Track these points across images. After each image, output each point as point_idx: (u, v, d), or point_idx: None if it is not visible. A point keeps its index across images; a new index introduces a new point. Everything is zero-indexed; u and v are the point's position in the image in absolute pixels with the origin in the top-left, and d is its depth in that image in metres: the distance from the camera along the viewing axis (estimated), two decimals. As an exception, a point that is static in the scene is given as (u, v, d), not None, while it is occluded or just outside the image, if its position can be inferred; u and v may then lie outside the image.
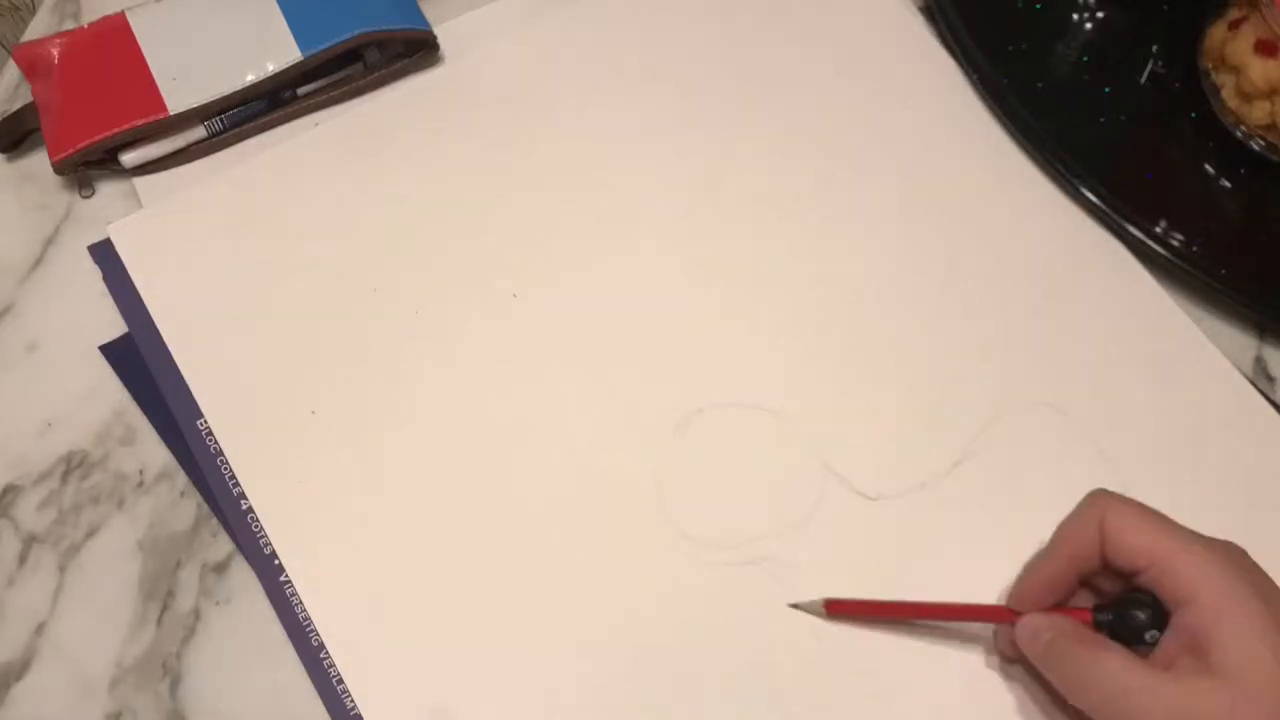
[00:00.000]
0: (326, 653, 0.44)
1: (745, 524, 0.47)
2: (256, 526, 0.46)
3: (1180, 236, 0.52)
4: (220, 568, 0.46)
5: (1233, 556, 0.39)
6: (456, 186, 0.53)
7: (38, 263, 0.52)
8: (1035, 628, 0.41)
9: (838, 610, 0.44)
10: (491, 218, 0.53)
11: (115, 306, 0.50)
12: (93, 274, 0.51)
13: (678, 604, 0.45)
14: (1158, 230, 0.52)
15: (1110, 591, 0.42)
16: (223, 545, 0.47)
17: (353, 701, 0.43)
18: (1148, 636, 0.39)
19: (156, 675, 0.44)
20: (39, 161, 0.53)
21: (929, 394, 0.49)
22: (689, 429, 0.48)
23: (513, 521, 0.46)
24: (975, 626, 0.44)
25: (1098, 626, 0.40)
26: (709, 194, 0.54)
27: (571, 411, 0.49)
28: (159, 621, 0.45)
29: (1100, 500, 0.41)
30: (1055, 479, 0.47)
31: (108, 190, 0.54)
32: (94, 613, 0.45)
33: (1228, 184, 0.54)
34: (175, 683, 0.44)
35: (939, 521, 0.47)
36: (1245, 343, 0.52)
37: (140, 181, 0.53)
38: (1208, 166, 0.55)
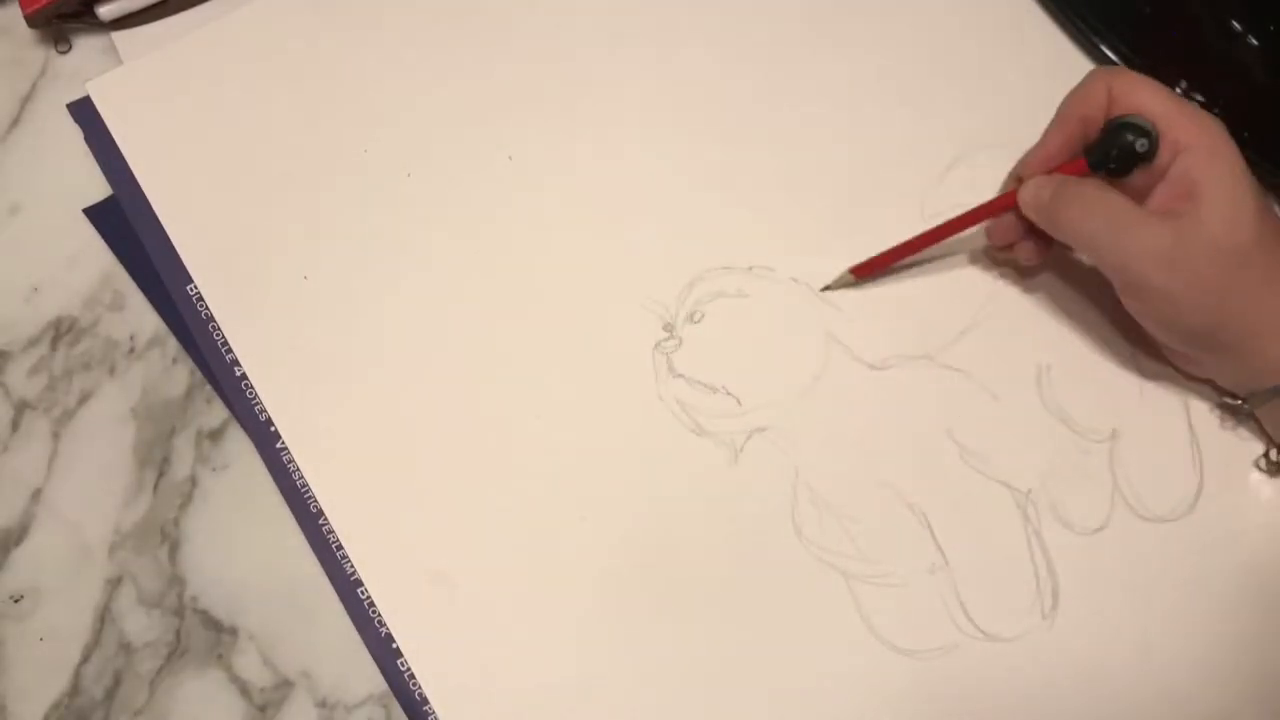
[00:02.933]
0: (325, 519, 0.44)
1: (747, 393, 0.46)
2: (251, 393, 0.45)
3: (1201, 98, 0.50)
4: (215, 435, 0.46)
5: (1220, 124, 0.42)
6: (449, 42, 0.51)
7: (15, 122, 0.50)
8: (1038, 185, 0.43)
9: (863, 272, 0.46)
10: (487, 77, 0.51)
11: (98, 167, 0.49)
12: (74, 133, 0.50)
13: (678, 473, 0.45)
14: (1179, 90, 0.50)
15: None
16: (217, 412, 0.46)
17: (352, 566, 0.43)
18: (1139, 146, 0.41)
19: (155, 541, 0.44)
20: (11, 15, 0.51)
21: (938, 264, 0.48)
22: (689, 295, 0.47)
23: (510, 387, 0.46)
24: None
25: (1091, 165, 0.42)
26: (705, 50, 0.51)
27: (569, 276, 0.48)
28: (155, 488, 0.45)
29: (1106, 71, 0.43)
30: (1065, 346, 0.47)
31: (85, 46, 0.52)
32: (90, 479, 0.45)
33: (1255, 42, 0.52)
34: (174, 548, 0.44)
35: (942, 388, 0.46)
36: (1264, 209, 0.51)
37: (119, 36, 0.51)
38: (1235, 23, 0.52)
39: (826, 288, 0.47)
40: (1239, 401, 0.44)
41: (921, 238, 0.46)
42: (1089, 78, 0.44)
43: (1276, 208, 0.44)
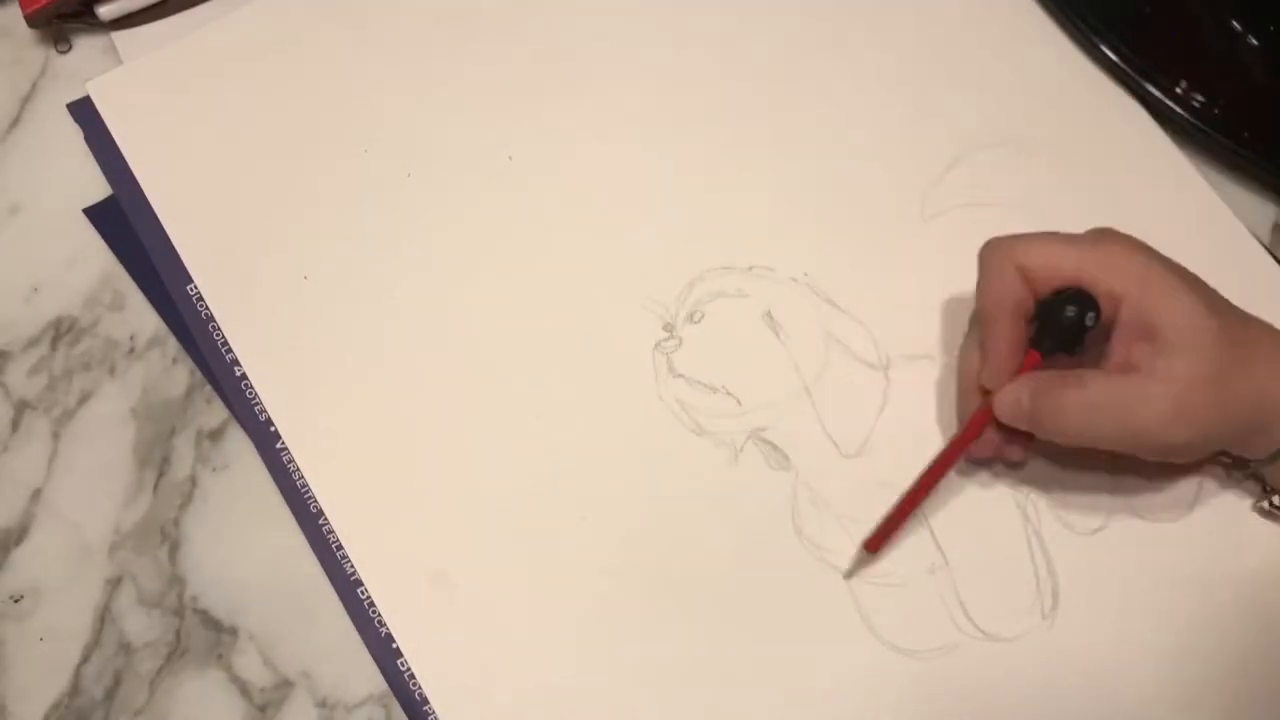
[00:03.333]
0: (325, 519, 0.44)
1: (747, 393, 0.46)
2: (251, 393, 0.45)
3: (1201, 98, 0.50)
4: (215, 435, 0.46)
5: (1130, 240, 0.41)
6: (449, 42, 0.51)
7: (15, 122, 0.50)
8: (1014, 394, 0.41)
9: (875, 545, 0.43)
10: (487, 77, 0.51)
11: (98, 167, 0.49)
12: (74, 133, 0.50)
13: (678, 473, 0.45)
14: (1178, 90, 0.51)
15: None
16: (217, 412, 0.46)
17: (352, 566, 0.43)
18: (1087, 320, 0.40)
19: (155, 541, 0.44)
20: (11, 15, 0.51)
21: (938, 264, 0.48)
22: (689, 295, 0.47)
23: (510, 387, 0.46)
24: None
25: (1045, 355, 0.41)
26: (706, 50, 0.51)
27: (569, 276, 0.48)
28: (155, 488, 0.45)
29: (1001, 248, 0.42)
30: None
31: (85, 46, 0.52)
32: (90, 479, 0.45)
33: (1255, 42, 0.52)
34: (174, 549, 0.44)
35: (943, 388, 0.46)
36: (1265, 210, 0.51)
37: (119, 36, 0.51)
38: (1235, 23, 0.52)
39: (848, 575, 0.43)
40: (1245, 463, 0.43)
41: (919, 490, 0.43)
42: (991, 268, 0.42)
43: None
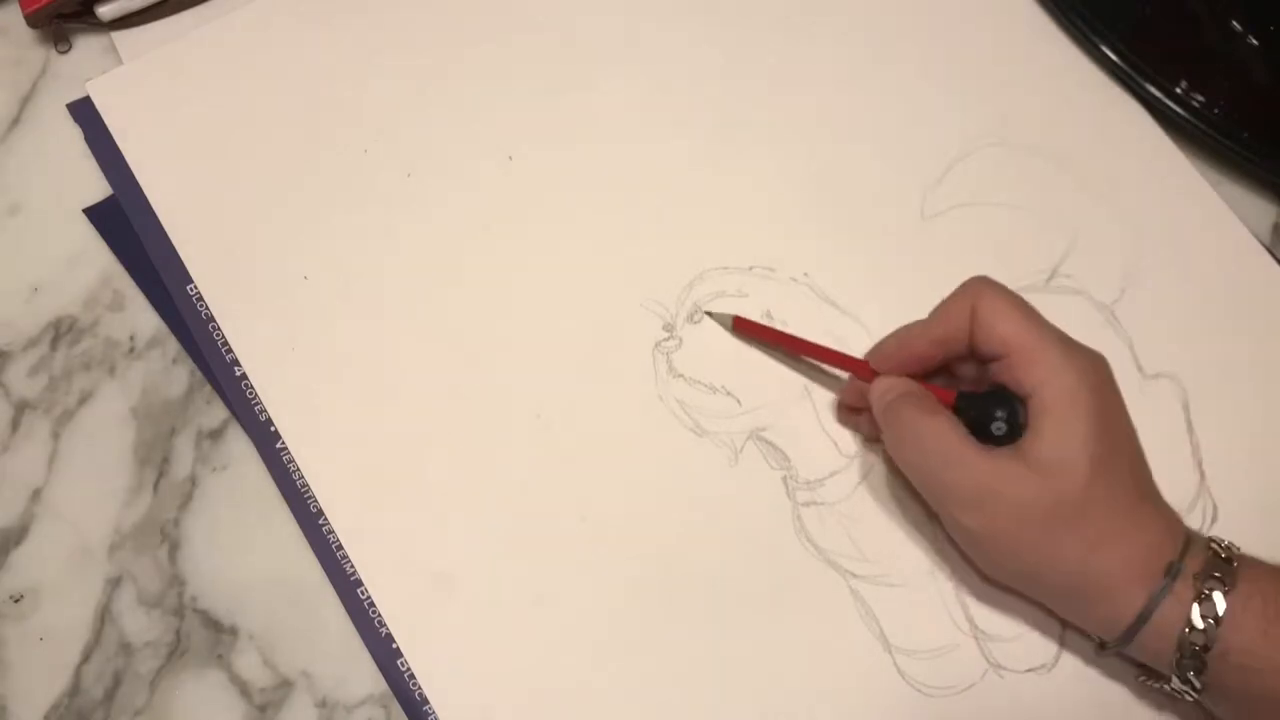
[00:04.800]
0: (325, 519, 0.44)
1: (747, 393, 0.46)
2: (251, 393, 0.45)
3: (1201, 98, 0.50)
4: (215, 434, 0.46)
5: (1090, 364, 0.39)
6: (449, 42, 0.51)
7: (15, 122, 0.50)
8: (886, 385, 0.41)
9: (742, 327, 0.46)
10: (487, 77, 0.51)
11: (98, 167, 0.49)
12: (74, 133, 0.50)
13: (678, 473, 0.45)
14: (1178, 91, 0.51)
15: (968, 378, 0.43)
16: (217, 412, 0.46)
17: (352, 566, 0.43)
18: (994, 428, 0.39)
19: (155, 541, 0.44)
20: (11, 14, 0.51)
21: (938, 264, 0.48)
22: (689, 295, 0.47)
23: (509, 387, 0.46)
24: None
25: (957, 411, 0.40)
26: (705, 51, 0.51)
27: (569, 276, 0.48)
28: (155, 488, 0.45)
29: (976, 285, 0.41)
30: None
31: (85, 46, 0.52)
32: (90, 479, 0.45)
33: (1255, 42, 0.52)
34: (174, 549, 0.44)
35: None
36: (1264, 210, 0.51)
37: (119, 36, 0.51)
38: (1235, 23, 0.52)
39: (708, 313, 0.46)
40: (1097, 642, 0.41)
41: (794, 341, 0.45)
42: (959, 291, 0.41)
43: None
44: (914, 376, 0.42)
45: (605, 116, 0.50)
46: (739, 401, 0.46)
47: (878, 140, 0.50)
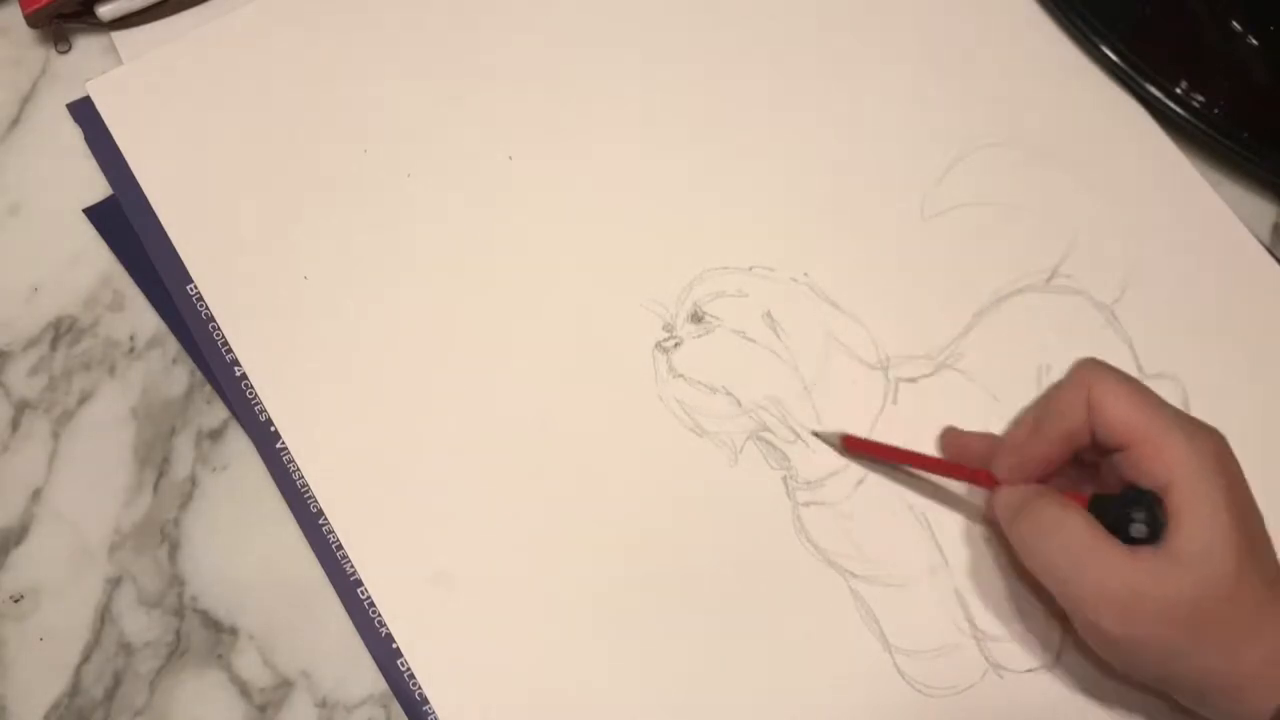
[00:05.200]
0: (325, 519, 0.44)
1: (747, 393, 0.46)
2: (251, 393, 0.45)
3: (1201, 98, 0.50)
4: (216, 434, 0.46)
5: (1213, 446, 0.38)
6: (449, 42, 0.51)
7: (15, 122, 0.50)
8: (1006, 499, 0.40)
9: (854, 446, 0.44)
10: (487, 77, 0.51)
11: (98, 167, 0.49)
12: (74, 133, 0.49)
13: (678, 473, 0.45)
14: (1178, 91, 0.51)
15: (1089, 462, 0.41)
16: (217, 412, 0.46)
17: (352, 566, 0.43)
18: (1133, 530, 0.37)
19: (155, 541, 0.44)
20: (11, 14, 0.51)
21: (938, 264, 0.48)
22: (689, 295, 0.47)
23: (509, 387, 0.46)
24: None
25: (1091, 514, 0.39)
26: (705, 51, 0.51)
27: (569, 276, 0.48)
28: (155, 488, 0.45)
29: (1088, 373, 0.40)
30: (1065, 348, 0.46)
31: (85, 46, 0.51)
32: (90, 479, 0.45)
33: (1255, 42, 0.52)
34: (174, 549, 0.44)
35: (942, 388, 0.46)
36: (1265, 210, 0.51)
37: (119, 36, 0.51)
38: (1235, 23, 0.52)
39: (815, 434, 0.45)
40: None
41: (910, 456, 0.44)
42: (1071, 381, 0.40)
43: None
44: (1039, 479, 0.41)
45: (605, 116, 0.50)
46: (739, 401, 0.46)
47: (878, 140, 0.50)
